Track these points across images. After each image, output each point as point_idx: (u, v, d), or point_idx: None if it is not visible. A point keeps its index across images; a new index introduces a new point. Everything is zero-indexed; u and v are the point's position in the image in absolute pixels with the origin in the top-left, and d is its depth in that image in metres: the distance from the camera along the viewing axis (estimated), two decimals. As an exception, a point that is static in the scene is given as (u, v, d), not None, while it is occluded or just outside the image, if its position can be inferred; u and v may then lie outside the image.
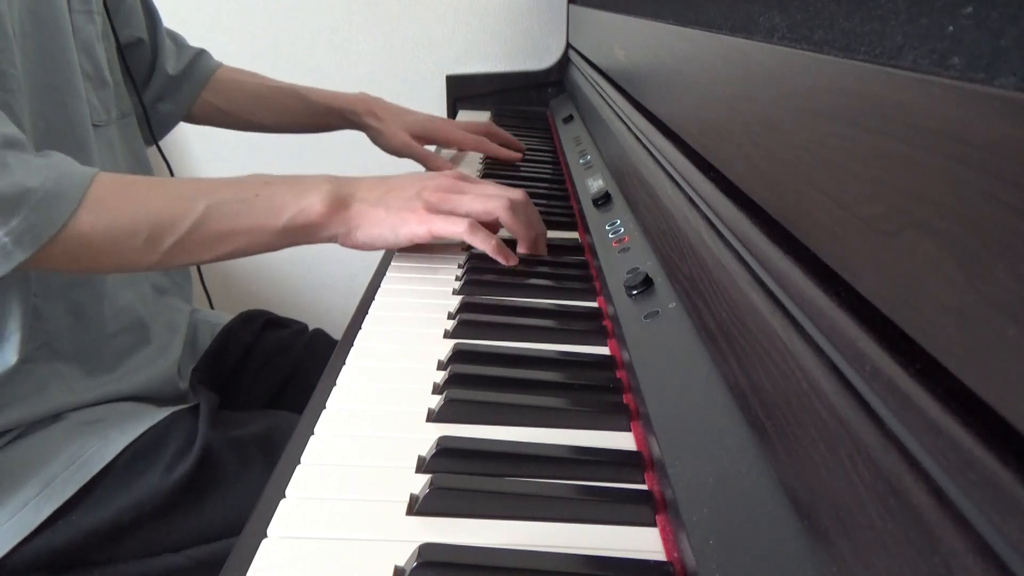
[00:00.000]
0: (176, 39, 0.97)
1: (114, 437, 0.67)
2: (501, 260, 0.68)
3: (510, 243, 0.71)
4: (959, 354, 0.22)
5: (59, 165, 0.57)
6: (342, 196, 0.64)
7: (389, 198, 0.66)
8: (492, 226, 0.70)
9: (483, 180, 0.72)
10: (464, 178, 0.71)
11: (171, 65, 0.94)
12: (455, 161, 1.14)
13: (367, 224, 0.65)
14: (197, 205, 0.60)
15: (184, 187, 0.63)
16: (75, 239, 0.56)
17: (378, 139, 1.05)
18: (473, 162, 1.15)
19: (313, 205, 0.63)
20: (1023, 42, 0.20)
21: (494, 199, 0.68)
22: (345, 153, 1.04)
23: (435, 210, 0.66)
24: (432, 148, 1.10)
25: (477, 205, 0.68)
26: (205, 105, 0.99)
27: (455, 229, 0.65)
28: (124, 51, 0.86)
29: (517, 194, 0.70)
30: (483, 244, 0.66)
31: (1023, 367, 0.19)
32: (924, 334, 0.24)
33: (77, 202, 0.56)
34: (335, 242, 0.66)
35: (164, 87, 0.95)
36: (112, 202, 0.58)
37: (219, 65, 1.01)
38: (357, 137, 1.09)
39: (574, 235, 0.81)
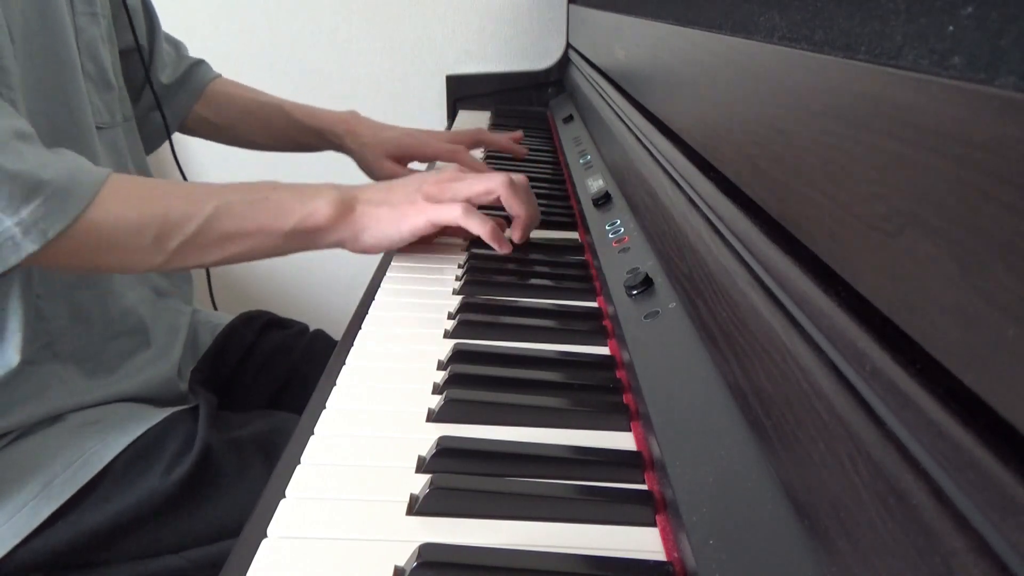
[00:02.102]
0: (177, 46, 0.97)
1: (113, 438, 0.67)
2: (495, 246, 0.68)
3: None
4: (959, 354, 0.22)
5: (74, 161, 0.58)
6: (347, 200, 0.65)
7: (391, 197, 0.67)
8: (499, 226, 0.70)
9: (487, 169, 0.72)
10: (464, 170, 0.72)
11: (166, 74, 0.94)
12: None
13: (372, 224, 0.65)
14: (206, 205, 0.60)
15: (194, 188, 0.64)
16: (84, 235, 0.56)
17: (362, 166, 1.01)
18: (475, 153, 1.15)
19: (320, 208, 0.63)
20: (1023, 42, 0.20)
21: (494, 179, 0.69)
22: (345, 159, 1.03)
23: (435, 200, 0.66)
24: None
25: (477, 186, 0.68)
26: (197, 118, 0.98)
27: (451, 214, 0.66)
28: (123, 56, 0.86)
29: (518, 175, 0.71)
30: (478, 227, 0.67)
31: (1023, 367, 0.19)
32: (924, 334, 0.24)
33: (90, 198, 0.56)
34: (343, 247, 0.66)
35: (160, 96, 0.94)
36: (123, 200, 0.58)
37: (216, 76, 1.00)
38: None
39: (574, 235, 0.81)
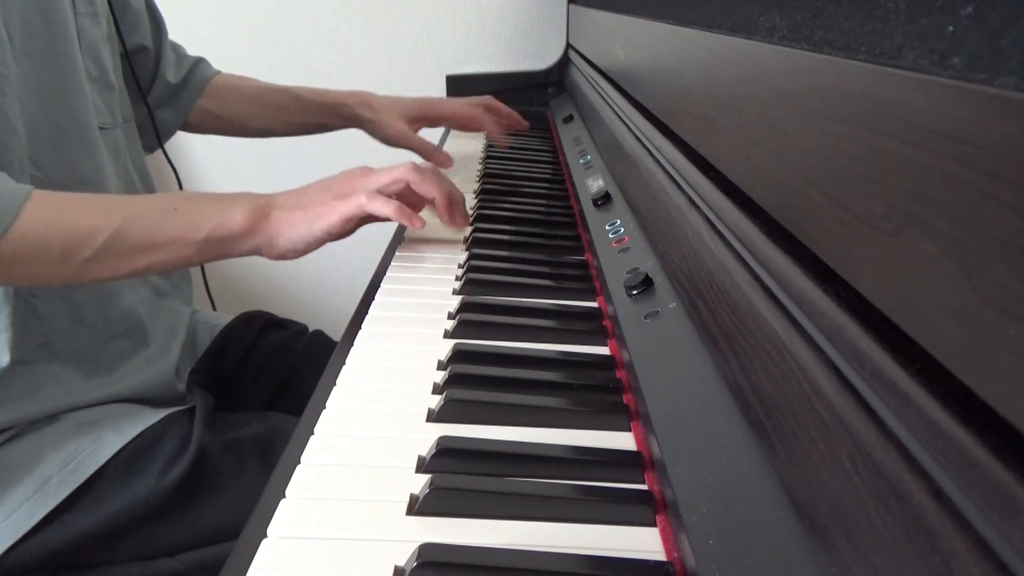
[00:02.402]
0: (176, 49, 0.98)
1: (109, 439, 0.67)
2: (405, 222, 0.68)
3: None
4: (959, 354, 0.22)
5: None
6: (261, 207, 0.65)
7: (303, 200, 0.67)
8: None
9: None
10: (369, 169, 0.72)
11: (172, 74, 0.95)
12: (461, 149, 1.13)
13: (286, 229, 0.65)
14: (113, 219, 0.60)
15: (103, 203, 0.64)
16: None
17: (375, 131, 1.04)
18: (474, 153, 1.15)
19: (233, 217, 0.63)
20: (1023, 42, 0.20)
21: (399, 168, 0.70)
22: (345, 157, 1.02)
23: (344, 197, 0.67)
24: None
25: (383, 177, 0.69)
26: (201, 112, 0.99)
27: (356, 202, 0.66)
28: (131, 56, 0.86)
29: (423, 163, 0.72)
30: (384, 209, 0.67)
31: (1023, 367, 0.19)
32: (924, 334, 0.24)
33: (13, 217, 0.56)
34: (259, 254, 0.66)
35: (164, 95, 0.95)
36: (30, 216, 0.58)
37: (216, 72, 1.01)
38: (357, 141, 1.09)
39: (581, 258, 0.80)
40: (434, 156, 1.03)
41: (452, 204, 0.73)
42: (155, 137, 0.94)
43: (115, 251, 0.60)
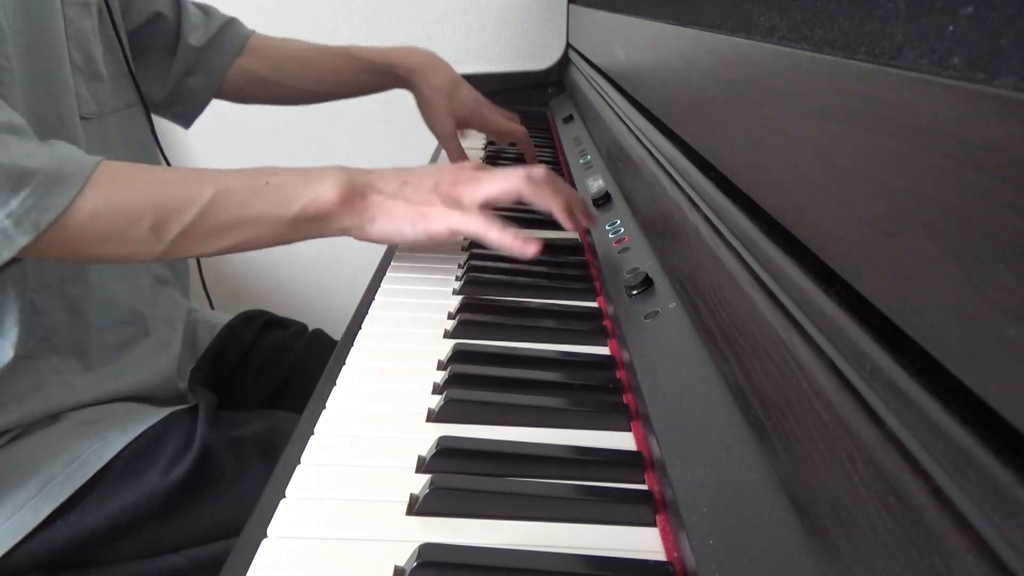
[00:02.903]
0: (206, 9, 0.94)
1: (113, 437, 0.67)
2: (518, 253, 0.62)
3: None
4: (959, 354, 0.22)
5: (62, 150, 0.57)
6: (357, 186, 0.61)
7: (407, 191, 0.63)
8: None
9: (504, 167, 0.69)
10: (482, 167, 0.68)
11: (196, 37, 0.90)
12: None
13: (383, 217, 0.62)
14: (204, 191, 0.58)
15: (191, 174, 0.61)
16: (78, 224, 0.55)
17: (424, 110, 0.98)
18: (474, 153, 1.14)
19: (326, 193, 0.60)
20: (1023, 42, 0.20)
21: (511, 176, 0.65)
22: (353, 156, 1.00)
23: (454, 204, 0.63)
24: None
25: (495, 187, 0.64)
26: (242, 74, 0.94)
27: (472, 227, 0.62)
28: (142, 29, 0.84)
29: (536, 168, 0.66)
30: (500, 238, 0.62)
31: (1023, 367, 0.19)
32: (924, 334, 0.24)
33: (80, 186, 0.55)
34: (349, 235, 0.63)
35: (191, 61, 0.91)
36: (117, 187, 0.57)
37: (252, 32, 0.96)
38: (367, 140, 1.07)
39: (574, 235, 0.81)
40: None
41: (573, 209, 0.68)
42: (186, 110, 0.91)
43: (205, 227, 0.58)
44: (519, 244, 0.63)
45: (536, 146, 1.22)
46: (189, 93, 0.92)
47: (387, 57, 0.98)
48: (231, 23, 0.95)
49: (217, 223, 0.59)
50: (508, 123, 1.03)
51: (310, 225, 0.61)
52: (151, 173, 0.60)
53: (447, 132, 0.97)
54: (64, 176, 0.55)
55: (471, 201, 0.63)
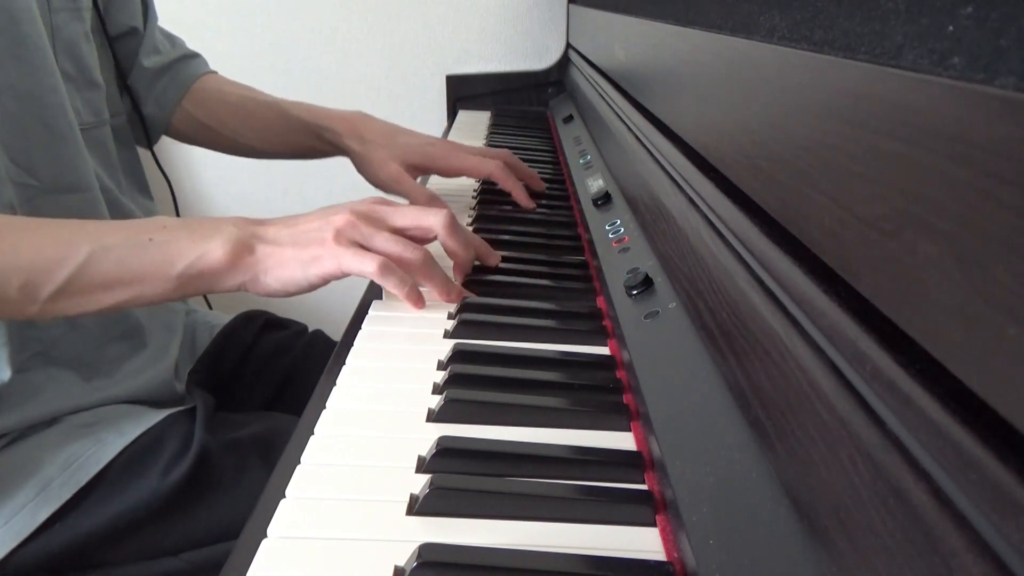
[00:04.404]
0: (171, 39, 0.92)
1: (110, 440, 0.67)
2: (411, 305, 0.62)
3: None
4: (959, 354, 0.22)
5: None
6: (245, 239, 0.58)
7: (297, 234, 0.59)
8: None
9: (406, 205, 0.64)
10: (385, 201, 0.63)
11: (151, 60, 0.86)
12: (454, 196, 0.94)
13: (275, 267, 0.58)
14: (79, 250, 0.54)
15: (68, 230, 0.57)
16: None
17: (362, 167, 0.88)
18: (465, 197, 0.96)
19: (213, 251, 0.56)
20: (1023, 42, 0.20)
21: (430, 215, 0.61)
22: (350, 174, 0.93)
23: (347, 239, 0.58)
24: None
25: (407, 221, 0.61)
26: (186, 116, 0.90)
27: (365, 268, 0.58)
28: (115, 42, 0.82)
29: (448, 211, 0.63)
30: (395, 287, 0.59)
31: (1023, 367, 0.19)
32: (924, 334, 0.24)
33: None
34: (246, 290, 0.60)
35: (142, 84, 0.87)
36: None
37: (207, 71, 0.93)
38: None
39: (581, 258, 0.77)
40: (423, 202, 0.83)
41: (470, 267, 0.65)
42: (142, 131, 0.88)
43: (80, 287, 0.55)
44: (414, 299, 0.61)
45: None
46: (146, 121, 0.89)
47: (317, 119, 0.90)
48: (192, 58, 0.92)
49: (93, 283, 0.55)
50: (470, 158, 0.87)
51: (198, 282, 0.58)
52: (23, 231, 0.56)
53: (391, 175, 0.85)
54: None
55: (371, 233, 0.59)
